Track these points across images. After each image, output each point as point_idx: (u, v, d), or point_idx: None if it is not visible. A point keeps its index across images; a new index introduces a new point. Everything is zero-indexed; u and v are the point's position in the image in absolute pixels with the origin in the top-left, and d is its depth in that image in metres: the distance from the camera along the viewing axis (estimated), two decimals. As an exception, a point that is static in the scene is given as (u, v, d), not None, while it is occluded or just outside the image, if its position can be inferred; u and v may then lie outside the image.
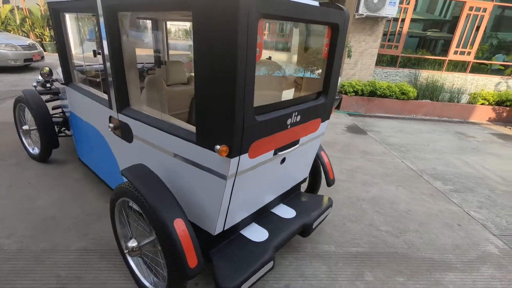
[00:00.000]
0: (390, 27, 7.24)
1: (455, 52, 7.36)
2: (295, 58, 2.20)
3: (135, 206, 1.90)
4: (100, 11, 1.73)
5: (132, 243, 1.72)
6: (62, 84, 2.66)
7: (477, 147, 5.24)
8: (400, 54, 7.47)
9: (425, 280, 2.16)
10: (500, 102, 7.26)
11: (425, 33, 8.38)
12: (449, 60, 7.45)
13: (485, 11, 6.94)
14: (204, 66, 1.29)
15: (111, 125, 2.02)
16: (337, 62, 1.87)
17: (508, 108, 7.21)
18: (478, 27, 7.07)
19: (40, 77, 3.54)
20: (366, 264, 2.25)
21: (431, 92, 7.24)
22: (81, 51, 2.60)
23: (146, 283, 1.83)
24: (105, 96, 2.16)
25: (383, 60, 7.79)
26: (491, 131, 6.44)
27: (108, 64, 1.84)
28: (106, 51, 1.81)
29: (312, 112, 1.84)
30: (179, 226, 1.46)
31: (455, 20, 7.85)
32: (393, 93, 6.87)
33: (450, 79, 7.44)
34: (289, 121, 1.66)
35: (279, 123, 1.59)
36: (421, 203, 3.19)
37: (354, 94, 6.95)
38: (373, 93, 6.93)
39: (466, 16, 6.96)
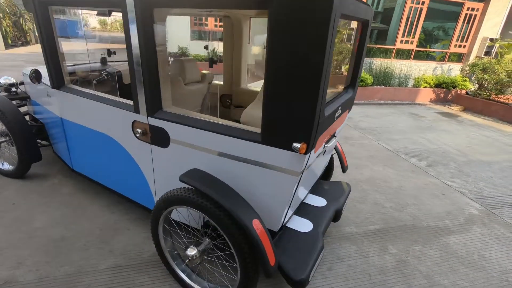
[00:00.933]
0: (345, 19, 7.70)
1: (401, 41, 8.16)
2: None
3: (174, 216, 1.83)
4: (131, 7, 1.58)
5: (191, 251, 1.66)
6: (53, 88, 2.34)
7: (431, 126, 5.98)
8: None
9: (436, 244, 2.47)
10: (438, 85, 8.32)
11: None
12: (396, 48, 8.24)
13: (423, 4, 7.80)
14: (283, 65, 1.29)
15: (139, 130, 1.88)
16: (363, 57, 2.00)
17: (444, 90, 8.30)
18: (418, 18, 7.93)
19: (2, 81, 3.05)
20: (386, 239, 2.49)
21: (384, 78, 7.97)
22: (77, 51, 2.32)
23: (202, 290, 1.79)
24: (124, 100, 1.99)
25: (339, 50, 8.28)
26: (435, 111, 7.37)
27: (136, 64, 1.70)
28: (135, 51, 1.66)
29: (346, 104, 1.96)
30: (258, 227, 1.46)
31: (387, 11, 8.71)
32: (353, 81, 7.38)
33: (398, 66, 8.25)
34: (336, 114, 1.75)
35: (332, 116, 1.67)
36: (407, 179, 3.58)
37: (319, 83, 7.30)
38: (335, 82, 7.36)
39: (409, 8, 7.74)
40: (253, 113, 1.75)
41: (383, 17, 9.11)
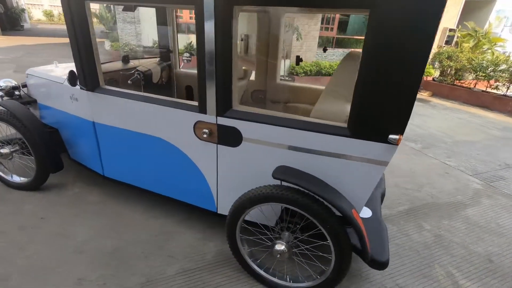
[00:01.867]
0: (324, 11, 7.95)
1: (375, 32, 8.63)
2: None
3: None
4: (210, 4, 1.53)
5: (280, 247, 1.70)
6: (87, 90, 2.16)
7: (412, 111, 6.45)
8: (335, 35, 8.31)
9: (459, 218, 2.76)
10: (408, 73, 8.95)
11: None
12: (371, 39, 8.70)
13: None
14: (384, 63, 1.35)
15: (205, 131, 1.84)
16: None
17: (413, 77, 8.97)
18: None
19: (2, 83, 2.74)
20: (418, 217, 2.72)
21: (361, 68, 8.39)
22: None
23: (286, 284, 1.84)
24: (185, 101, 1.92)
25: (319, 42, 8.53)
26: (409, 97, 7.96)
27: (208, 63, 1.66)
28: (210, 48, 1.62)
29: None
30: (356, 216, 1.54)
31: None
32: (335, 71, 7.69)
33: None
34: None
35: None
36: (413, 162, 3.89)
37: (304, 74, 7.49)
38: (319, 73, 7.61)
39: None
40: (326, 108, 1.80)
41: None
